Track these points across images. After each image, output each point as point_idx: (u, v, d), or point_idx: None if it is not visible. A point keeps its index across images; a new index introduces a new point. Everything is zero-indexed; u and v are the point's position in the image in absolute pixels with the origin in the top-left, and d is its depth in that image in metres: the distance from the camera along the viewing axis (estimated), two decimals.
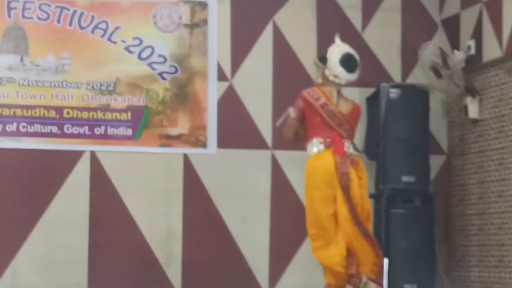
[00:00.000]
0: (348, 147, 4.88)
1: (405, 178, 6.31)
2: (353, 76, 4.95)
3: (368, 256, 4.87)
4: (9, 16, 6.02)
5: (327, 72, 4.92)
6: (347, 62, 4.90)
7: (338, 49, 4.96)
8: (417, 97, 6.39)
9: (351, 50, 4.98)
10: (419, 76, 6.61)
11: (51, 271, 5.98)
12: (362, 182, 4.89)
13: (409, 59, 6.62)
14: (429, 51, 6.54)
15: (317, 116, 4.87)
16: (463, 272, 6.59)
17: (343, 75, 4.87)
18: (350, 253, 4.83)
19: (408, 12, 6.68)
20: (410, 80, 6.62)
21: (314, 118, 4.89)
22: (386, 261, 5.66)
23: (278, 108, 6.32)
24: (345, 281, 4.85)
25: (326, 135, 4.85)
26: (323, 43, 6.44)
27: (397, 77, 6.62)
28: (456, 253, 6.70)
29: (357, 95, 6.44)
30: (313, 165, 4.88)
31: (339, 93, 4.97)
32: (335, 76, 4.87)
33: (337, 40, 5.10)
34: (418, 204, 6.33)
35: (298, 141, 5.09)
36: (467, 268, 6.58)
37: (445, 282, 6.34)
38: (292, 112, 4.96)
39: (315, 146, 4.88)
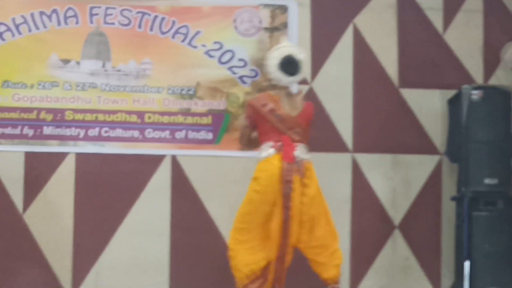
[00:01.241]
0: (299, 152, 4.73)
1: (487, 181, 6.08)
2: (295, 79, 4.82)
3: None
4: (91, 22, 6.01)
5: (270, 74, 4.80)
6: (286, 65, 4.74)
7: (277, 52, 4.79)
8: (499, 99, 6.17)
9: (293, 51, 4.81)
10: (502, 78, 6.39)
11: (133, 274, 5.95)
12: (305, 190, 4.69)
13: (491, 60, 6.37)
14: (511, 52, 6.37)
15: (267, 122, 4.75)
16: None
17: (284, 79, 4.74)
18: (265, 270, 4.69)
19: (490, 13, 6.41)
20: (492, 81, 6.37)
21: (265, 124, 4.77)
22: (467, 264, 5.50)
23: (359, 111, 6.22)
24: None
25: (277, 139, 4.72)
26: (404, 45, 6.33)
27: (479, 78, 6.39)
28: None
29: (439, 97, 6.30)
30: (260, 168, 4.74)
31: (289, 95, 4.83)
32: (277, 79, 4.76)
33: (284, 41, 5.00)
34: (500, 206, 6.08)
35: (252, 147, 4.98)
36: None
37: None
38: (244, 121, 4.95)
39: (265, 150, 4.76)
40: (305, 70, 5.09)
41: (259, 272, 4.71)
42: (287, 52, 4.78)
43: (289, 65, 4.75)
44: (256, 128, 4.88)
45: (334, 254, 4.83)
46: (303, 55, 4.89)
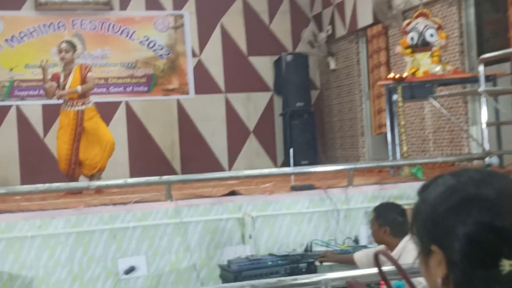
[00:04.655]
0: None
1: (298, 104, 11.20)
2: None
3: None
4: (73, 28, 10.53)
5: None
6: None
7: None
8: (301, 60, 11.12)
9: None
10: (302, 48, 11.43)
11: None
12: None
13: (296, 38, 11.42)
14: (305, 34, 11.38)
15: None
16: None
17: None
18: None
19: (294, 12, 11.43)
20: (297, 50, 11.44)
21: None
22: (291, 150, 10.46)
23: (227, 70, 11.12)
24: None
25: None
26: (249, 31, 11.23)
27: (290, 49, 11.41)
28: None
29: (269, 60, 11.26)
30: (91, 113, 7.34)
31: None
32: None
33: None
34: (305, 117, 11.22)
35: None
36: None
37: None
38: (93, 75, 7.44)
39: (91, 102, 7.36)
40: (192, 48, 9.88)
41: None
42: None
43: None
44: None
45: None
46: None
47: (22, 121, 10.30)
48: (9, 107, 10.24)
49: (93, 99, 7.60)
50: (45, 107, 10.30)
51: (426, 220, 1.23)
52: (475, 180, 1.22)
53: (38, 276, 4.97)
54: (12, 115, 10.23)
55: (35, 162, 10.08)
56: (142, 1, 10.77)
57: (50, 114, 10.25)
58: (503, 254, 1.14)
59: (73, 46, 7.31)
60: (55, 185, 5.69)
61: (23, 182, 9.71)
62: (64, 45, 7.30)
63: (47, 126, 10.30)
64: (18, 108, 10.30)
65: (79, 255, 5.06)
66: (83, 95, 7.30)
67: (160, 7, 10.83)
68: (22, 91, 10.31)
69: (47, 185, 5.60)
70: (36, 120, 10.35)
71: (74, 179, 7.24)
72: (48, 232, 5.00)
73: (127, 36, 10.68)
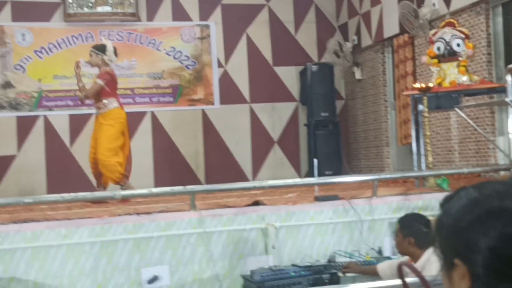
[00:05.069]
0: None
1: (322, 114, 11.17)
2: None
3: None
4: (100, 40, 10.63)
5: (105, 58, 7.06)
6: (116, 52, 7.17)
7: (109, 43, 7.31)
8: (326, 69, 11.11)
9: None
10: (328, 58, 11.38)
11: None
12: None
13: (321, 49, 11.40)
14: (331, 44, 11.35)
15: (115, 85, 7.11)
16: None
17: (115, 60, 7.22)
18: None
19: (320, 22, 11.38)
20: (322, 60, 11.40)
21: (114, 85, 7.10)
22: (316, 160, 10.47)
23: (252, 79, 11.14)
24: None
25: (118, 97, 7.12)
26: (275, 42, 11.24)
27: (315, 58, 11.40)
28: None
29: (294, 71, 11.24)
30: (119, 112, 7.01)
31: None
32: (111, 61, 7.13)
33: (108, 40, 7.94)
34: (330, 128, 11.19)
35: (93, 98, 7.09)
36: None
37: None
38: (101, 81, 6.96)
39: (114, 102, 7.03)
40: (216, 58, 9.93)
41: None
42: (112, 45, 7.28)
43: (116, 53, 7.22)
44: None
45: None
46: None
47: (50, 131, 10.42)
48: (37, 117, 10.37)
49: (111, 105, 7.21)
50: (72, 117, 10.42)
51: (449, 233, 1.22)
52: (498, 192, 1.20)
53: (63, 285, 4.99)
54: (40, 125, 10.36)
55: (62, 172, 10.18)
56: (169, 12, 10.84)
57: (76, 124, 10.37)
58: None
59: (95, 51, 7.22)
60: (81, 194, 5.73)
61: (49, 191, 9.80)
62: (90, 53, 7.28)
63: (73, 136, 10.41)
64: (45, 118, 10.42)
65: (103, 265, 5.08)
66: (98, 99, 7.12)
67: (186, 18, 10.89)
68: (50, 102, 10.43)
69: (73, 195, 5.64)
70: (63, 130, 10.46)
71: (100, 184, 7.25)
72: (73, 241, 5.03)
73: (153, 46, 10.76)
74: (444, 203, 1.28)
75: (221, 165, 10.71)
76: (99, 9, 10.53)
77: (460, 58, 6.83)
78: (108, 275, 5.08)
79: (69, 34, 10.49)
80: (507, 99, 6.06)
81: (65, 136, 10.46)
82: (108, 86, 7.03)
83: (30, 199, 5.64)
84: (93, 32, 10.56)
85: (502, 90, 6.46)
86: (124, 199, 6.38)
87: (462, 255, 1.19)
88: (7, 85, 10.27)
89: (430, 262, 4.00)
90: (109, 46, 7.20)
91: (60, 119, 10.45)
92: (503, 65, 7.76)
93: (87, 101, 7.48)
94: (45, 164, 10.30)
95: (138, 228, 5.16)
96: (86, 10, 10.46)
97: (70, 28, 10.49)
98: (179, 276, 5.23)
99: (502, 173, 6.80)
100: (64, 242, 5.02)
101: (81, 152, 9.64)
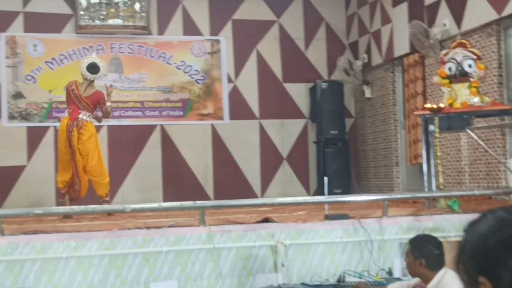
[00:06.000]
0: (82, 115, 7.19)
1: (332, 132, 11.14)
2: (95, 76, 7.33)
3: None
4: (112, 52, 10.63)
5: (81, 72, 7.31)
6: (91, 68, 7.28)
7: (87, 60, 7.43)
8: (336, 87, 11.10)
9: (96, 60, 7.33)
10: (337, 75, 11.39)
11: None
12: (80, 137, 7.14)
13: (331, 67, 11.37)
14: (341, 62, 11.33)
15: (69, 96, 7.33)
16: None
17: (88, 75, 7.31)
18: (72, 182, 7.22)
19: (329, 40, 11.34)
20: (332, 78, 11.41)
21: (68, 97, 7.34)
22: (326, 178, 10.41)
23: (261, 95, 11.14)
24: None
25: (70, 108, 7.28)
26: (285, 59, 11.24)
27: (325, 76, 11.39)
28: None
29: (304, 87, 11.23)
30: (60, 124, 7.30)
31: (89, 84, 7.33)
32: (84, 75, 7.32)
33: (92, 54, 7.96)
34: (339, 146, 11.18)
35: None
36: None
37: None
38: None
39: (66, 112, 7.31)
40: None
41: (67, 183, 7.30)
42: (92, 60, 7.37)
43: (92, 68, 7.32)
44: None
45: (103, 181, 7.33)
46: (102, 64, 7.40)
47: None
48: (47, 127, 10.38)
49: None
50: None
51: (475, 252, 1.24)
52: None
53: None
54: (49, 135, 10.36)
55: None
56: (180, 26, 10.88)
57: None
58: None
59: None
60: (90, 207, 5.73)
61: (58, 203, 9.79)
62: None
63: None
64: (55, 129, 10.42)
65: (112, 278, 5.07)
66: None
67: (197, 32, 10.92)
68: (60, 113, 10.42)
69: (82, 207, 5.64)
70: None
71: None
72: (82, 254, 5.03)
73: (164, 60, 10.78)
74: (471, 225, 1.29)
75: (229, 181, 10.68)
76: (110, 21, 10.57)
77: (471, 79, 6.83)
78: None
79: (80, 46, 10.53)
80: None
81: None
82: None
83: (40, 210, 5.65)
84: (104, 45, 10.59)
85: None
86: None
87: (487, 273, 1.20)
88: (18, 95, 10.30)
89: (441, 284, 3.98)
90: (83, 62, 7.50)
91: None
92: None
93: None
94: (54, 175, 10.28)
95: (148, 243, 5.16)
96: (97, 22, 10.51)
97: (81, 40, 10.54)
98: None
99: None
100: (74, 255, 5.01)
101: None
